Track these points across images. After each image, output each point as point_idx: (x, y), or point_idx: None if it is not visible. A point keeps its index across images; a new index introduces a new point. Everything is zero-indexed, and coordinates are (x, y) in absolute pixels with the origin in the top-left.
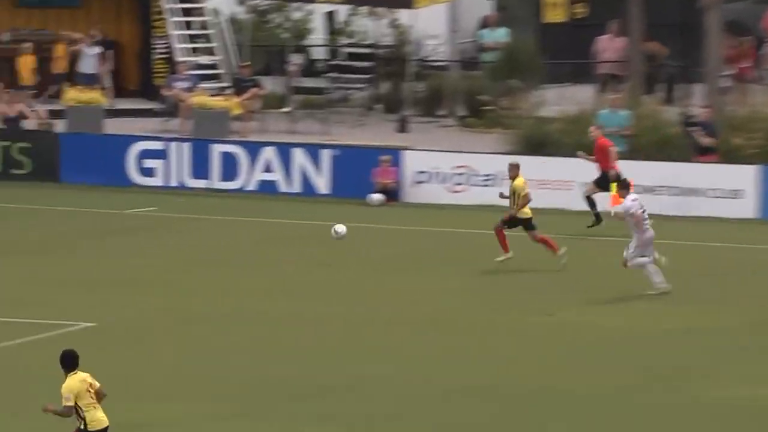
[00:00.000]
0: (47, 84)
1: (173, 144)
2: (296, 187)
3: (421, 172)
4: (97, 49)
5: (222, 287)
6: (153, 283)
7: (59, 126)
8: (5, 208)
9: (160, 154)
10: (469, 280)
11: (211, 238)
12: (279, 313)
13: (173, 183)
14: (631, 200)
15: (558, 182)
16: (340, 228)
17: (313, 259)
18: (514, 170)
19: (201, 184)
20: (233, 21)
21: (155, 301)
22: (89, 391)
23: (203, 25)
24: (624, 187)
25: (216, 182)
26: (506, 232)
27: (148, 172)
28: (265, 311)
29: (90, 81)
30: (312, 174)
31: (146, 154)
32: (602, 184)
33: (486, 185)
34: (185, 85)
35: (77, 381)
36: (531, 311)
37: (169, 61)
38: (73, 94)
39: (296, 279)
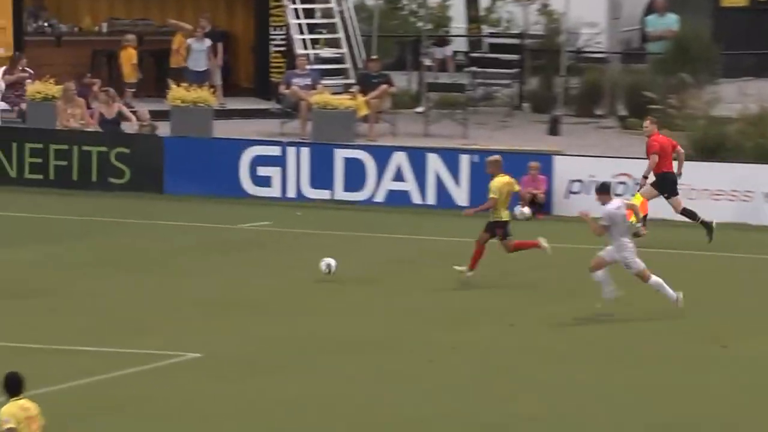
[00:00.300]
0: (152, 80)
1: (291, 149)
2: (431, 198)
3: (576, 180)
4: (208, 43)
5: (348, 312)
6: (268, 307)
7: (163, 129)
8: (102, 222)
9: (277, 161)
10: (630, 305)
11: (334, 257)
12: (413, 340)
13: (291, 194)
14: (615, 207)
15: (736, 192)
16: (328, 262)
17: (450, 280)
18: (491, 167)
19: (322, 194)
20: (360, 8)
21: (271, 328)
22: (29, 420)
23: (326, 13)
24: (602, 191)
25: (339, 193)
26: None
27: (262, 182)
28: (399, 338)
29: (198, 78)
30: (449, 183)
31: (260, 160)
32: (667, 188)
33: None
34: (305, 81)
35: (16, 407)
36: (702, 340)
37: (288, 54)
38: (178, 93)
39: (432, 302)
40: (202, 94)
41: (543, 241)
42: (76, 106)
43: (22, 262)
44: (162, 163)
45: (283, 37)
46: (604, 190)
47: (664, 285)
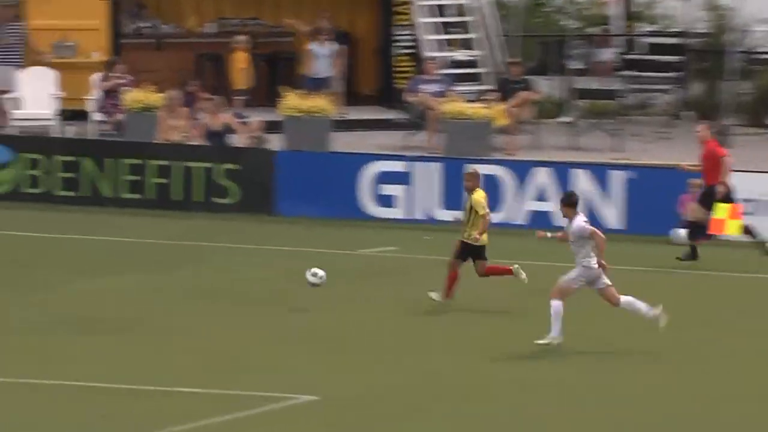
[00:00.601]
0: (263, 87)
1: (418, 165)
2: None
3: (748, 200)
4: (333, 47)
5: (490, 350)
6: (392, 344)
7: (275, 142)
8: (206, 248)
9: (402, 178)
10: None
11: (470, 287)
12: (548, 381)
13: (418, 215)
14: (583, 221)
15: None
16: (316, 273)
17: (591, 313)
18: (471, 180)
19: (454, 216)
20: (499, 5)
21: (395, 367)
22: None
23: (460, 11)
24: (571, 203)
25: None
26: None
27: (386, 201)
28: (531, 378)
29: (318, 86)
30: (599, 203)
31: (384, 177)
32: (707, 202)
33: None
34: (435, 88)
35: None
36: None
37: (415, 57)
38: (292, 102)
39: (571, 339)
40: (318, 103)
41: (435, 295)
42: (179, 117)
43: (115, 292)
44: (273, 181)
45: (410, 38)
46: (570, 203)
47: (559, 319)
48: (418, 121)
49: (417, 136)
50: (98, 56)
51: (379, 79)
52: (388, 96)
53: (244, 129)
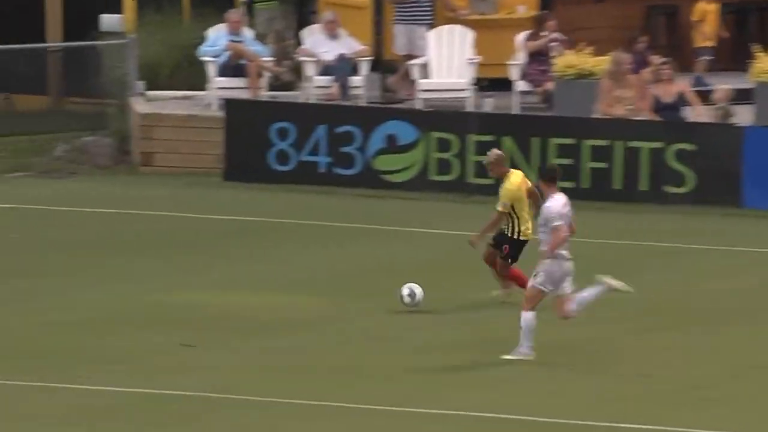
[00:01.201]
0: (728, 47)
1: None
2: None
3: None
4: None
5: None
6: None
7: (743, 116)
8: (653, 249)
9: None
10: None
11: None
12: None
13: None
14: (561, 204)
15: None
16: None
17: None
18: (494, 167)
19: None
20: None
21: None
22: None
23: None
24: (546, 178)
25: None
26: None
27: None
28: None
29: None
30: None
31: None
32: None
33: None
34: None
35: None
36: None
37: None
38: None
39: None
40: None
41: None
42: (626, 86)
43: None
44: (740, 165)
45: None
46: (550, 178)
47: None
48: None
49: None
50: (525, 11)
51: None
52: None
53: (704, 99)
